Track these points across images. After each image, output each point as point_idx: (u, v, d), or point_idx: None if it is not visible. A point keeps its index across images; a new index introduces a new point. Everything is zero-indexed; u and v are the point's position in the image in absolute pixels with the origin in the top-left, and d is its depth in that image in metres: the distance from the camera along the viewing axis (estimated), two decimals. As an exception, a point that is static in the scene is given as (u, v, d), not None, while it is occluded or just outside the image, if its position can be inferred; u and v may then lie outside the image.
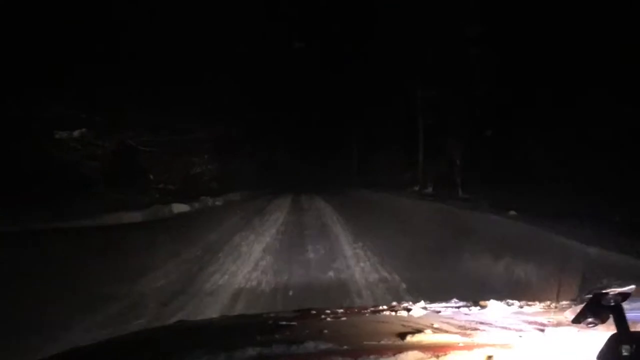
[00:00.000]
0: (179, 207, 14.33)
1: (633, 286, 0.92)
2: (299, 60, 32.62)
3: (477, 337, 1.10)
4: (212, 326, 1.49)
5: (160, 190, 16.68)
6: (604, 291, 0.90)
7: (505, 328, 1.15)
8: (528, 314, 1.32)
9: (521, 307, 1.44)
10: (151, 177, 17.00)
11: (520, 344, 1.03)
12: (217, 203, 17.94)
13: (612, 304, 0.89)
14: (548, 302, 1.48)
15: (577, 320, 0.96)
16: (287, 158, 46.14)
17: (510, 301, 1.49)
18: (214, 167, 21.56)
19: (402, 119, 21.27)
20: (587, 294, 0.95)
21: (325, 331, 1.23)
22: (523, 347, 1.01)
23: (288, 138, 42.38)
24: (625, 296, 0.90)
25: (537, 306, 1.43)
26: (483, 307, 1.43)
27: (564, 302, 1.42)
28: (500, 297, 1.51)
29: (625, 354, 0.78)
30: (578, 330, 1.06)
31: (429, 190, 16.95)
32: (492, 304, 1.43)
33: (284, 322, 1.33)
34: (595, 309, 0.92)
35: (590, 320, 0.94)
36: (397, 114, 22.01)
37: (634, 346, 0.77)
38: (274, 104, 32.26)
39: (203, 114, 18.83)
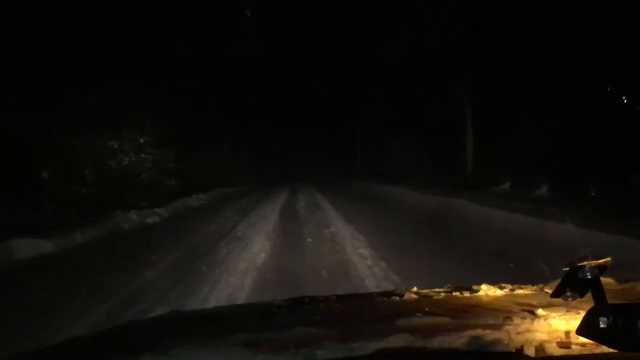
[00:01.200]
0: (26, 246, 6.94)
1: (609, 259, 0.91)
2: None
3: (467, 319, 1.10)
4: (204, 315, 1.49)
5: (62, 199, 10.62)
6: (580, 264, 0.90)
7: (496, 310, 1.15)
8: (519, 296, 1.32)
9: (512, 290, 1.44)
10: (45, 175, 10.74)
11: (509, 325, 1.03)
12: (151, 220, 11.00)
13: (589, 277, 0.89)
14: (540, 285, 1.48)
15: (556, 294, 0.96)
16: (279, 147, 45.06)
17: (503, 285, 1.49)
18: (167, 157, 15.05)
19: (418, 101, 18.94)
20: (564, 268, 0.95)
21: (316, 317, 1.24)
22: (512, 328, 1.01)
23: (279, 122, 41.04)
24: (602, 269, 0.90)
25: (529, 289, 1.43)
26: (475, 291, 1.43)
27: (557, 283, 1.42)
28: (493, 281, 1.51)
29: (602, 326, 0.78)
30: (567, 310, 1.06)
31: (543, 191, 10.99)
32: (484, 288, 1.44)
33: (275, 310, 1.34)
34: (573, 283, 0.92)
35: (568, 294, 0.94)
36: (412, 95, 19.35)
37: (611, 318, 0.78)
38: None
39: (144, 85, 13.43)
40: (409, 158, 21.93)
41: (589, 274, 0.89)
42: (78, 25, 11.24)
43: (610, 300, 1.18)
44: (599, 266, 0.90)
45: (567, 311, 1.05)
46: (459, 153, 16.94)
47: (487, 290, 1.41)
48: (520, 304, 1.19)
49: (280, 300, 1.49)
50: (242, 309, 1.58)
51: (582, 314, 0.98)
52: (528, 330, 0.99)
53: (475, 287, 1.45)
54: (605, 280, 1.40)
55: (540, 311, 1.08)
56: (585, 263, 0.90)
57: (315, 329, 1.07)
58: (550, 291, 1.09)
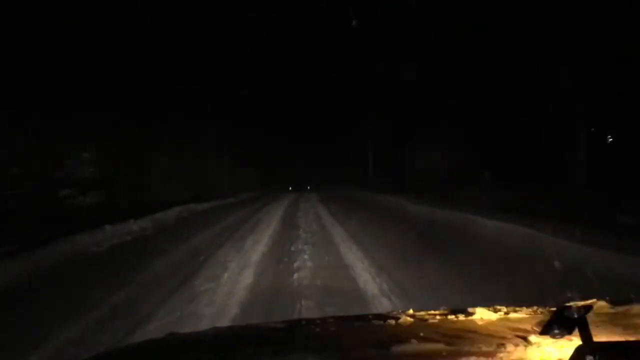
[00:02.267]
0: None
1: (595, 300, 0.95)
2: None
3: (461, 345, 1.11)
4: (202, 338, 1.49)
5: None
6: (567, 304, 0.93)
7: (490, 335, 1.17)
8: (514, 321, 1.33)
9: (507, 313, 1.46)
10: None
11: (502, 352, 1.04)
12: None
13: (576, 316, 0.92)
14: (535, 307, 1.50)
15: (545, 332, 0.99)
16: (284, 155, 43.44)
17: (497, 307, 1.50)
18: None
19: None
20: (552, 307, 0.98)
21: (312, 342, 1.24)
22: (505, 355, 1.03)
23: (283, 129, 39.45)
24: (587, 309, 0.93)
25: (524, 312, 1.45)
26: (470, 314, 1.45)
27: (550, 308, 1.43)
28: (488, 304, 1.53)
29: None
30: (562, 339, 1.08)
31: None
32: (479, 311, 1.45)
33: (271, 334, 1.34)
34: (560, 321, 0.95)
35: (557, 332, 0.97)
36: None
37: (597, 356, 0.81)
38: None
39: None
40: (443, 164, 16.58)
41: (575, 314, 0.93)
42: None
43: (602, 325, 1.20)
44: (584, 307, 0.93)
45: (561, 339, 1.07)
46: (535, 157, 12.90)
47: (481, 314, 1.43)
48: (514, 330, 1.21)
49: (278, 323, 1.49)
50: (239, 332, 1.59)
51: (574, 341, 1.00)
52: (521, 358, 1.01)
53: (470, 310, 1.47)
54: (599, 303, 1.43)
55: (533, 338, 1.10)
56: (571, 304, 0.93)
57: (311, 356, 1.08)
58: (538, 328, 1.12)
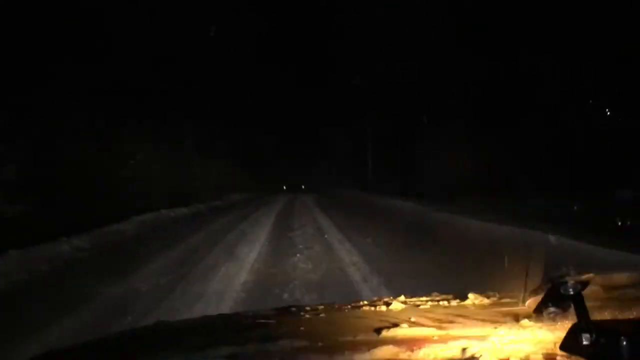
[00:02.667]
0: None
1: (592, 274, 0.91)
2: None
3: (453, 330, 1.09)
4: (190, 326, 1.48)
5: None
6: (562, 280, 0.89)
7: (482, 320, 1.15)
8: (506, 305, 1.32)
9: (500, 298, 1.44)
10: None
11: (495, 335, 1.02)
12: None
13: (572, 292, 0.88)
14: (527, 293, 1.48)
15: (539, 310, 0.96)
16: (277, 155, 42.35)
17: (490, 293, 1.48)
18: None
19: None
20: (547, 283, 0.95)
21: (302, 328, 1.23)
22: (498, 339, 1.01)
23: (275, 128, 38.54)
24: (584, 284, 0.90)
25: (517, 297, 1.43)
26: (462, 299, 1.43)
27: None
28: (481, 290, 1.51)
29: (585, 342, 0.78)
30: (554, 321, 1.06)
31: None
32: (471, 297, 1.43)
33: (261, 320, 1.33)
34: (555, 299, 0.92)
35: (551, 309, 0.94)
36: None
37: (594, 335, 0.77)
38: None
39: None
40: (457, 165, 13.75)
41: (571, 290, 0.89)
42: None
43: (596, 310, 1.18)
44: (581, 282, 0.90)
45: (554, 321, 1.05)
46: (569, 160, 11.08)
47: (473, 300, 1.41)
48: (506, 314, 1.19)
49: (268, 310, 1.48)
50: (230, 319, 1.57)
51: (568, 324, 0.98)
52: (514, 342, 0.99)
53: (462, 296, 1.45)
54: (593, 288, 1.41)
55: (526, 321, 1.08)
56: (567, 279, 0.89)
57: (300, 342, 1.06)
58: (532, 307, 1.09)
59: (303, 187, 45.08)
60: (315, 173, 44.79)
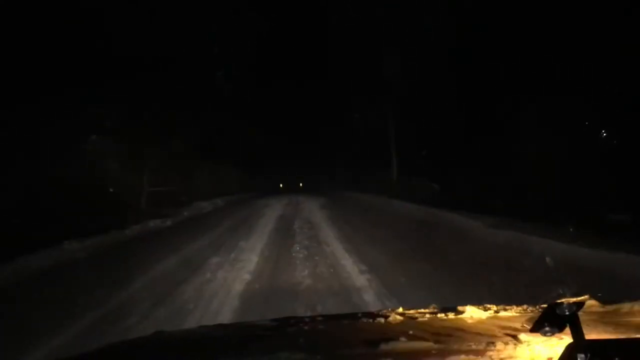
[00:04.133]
0: None
1: (587, 296, 0.93)
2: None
3: (451, 344, 1.10)
4: (189, 337, 1.48)
5: None
6: (558, 301, 0.91)
7: (479, 334, 1.16)
8: (503, 319, 1.32)
9: (497, 311, 1.44)
10: None
11: (492, 350, 1.03)
12: None
13: (567, 313, 0.90)
14: (525, 306, 1.49)
15: (536, 329, 0.97)
16: (273, 152, 39.68)
17: (488, 306, 1.49)
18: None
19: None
20: (543, 303, 0.96)
21: (301, 340, 1.23)
22: (494, 353, 1.02)
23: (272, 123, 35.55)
24: (579, 305, 0.92)
25: (513, 310, 1.44)
26: (460, 312, 1.44)
27: (540, 306, 1.42)
28: (479, 302, 1.51)
29: None
30: (551, 337, 1.07)
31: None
32: (469, 310, 1.44)
33: (260, 332, 1.33)
34: (551, 319, 0.93)
35: (547, 329, 0.95)
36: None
37: (589, 355, 0.79)
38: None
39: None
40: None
41: (566, 310, 0.91)
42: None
43: (592, 324, 1.19)
44: (576, 303, 0.91)
45: (551, 337, 1.06)
46: None
47: (471, 312, 1.42)
48: (503, 328, 1.20)
49: (267, 321, 1.48)
50: (227, 330, 1.57)
51: (565, 339, 0.99)
52: (510, 357, 1.00)
53: (460, 309, 1.46)
54: (589, 302, 1.42)
55: (523, 336, 1.09)
56: (563, 300, 0.91)
57: (299, 354, 1.07)
58: (528, 325, 1.10)
59: (301, 184, 43.23)
60: (320, 173, 40.48)
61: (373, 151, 24.30)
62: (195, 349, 1.32)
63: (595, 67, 10.26)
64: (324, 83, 30.90)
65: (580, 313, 1.32)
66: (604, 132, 11.66)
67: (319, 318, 1.49)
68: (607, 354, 0.79)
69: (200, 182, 20.83)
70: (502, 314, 1.41)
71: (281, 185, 42.86)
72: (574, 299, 0.92)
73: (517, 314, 1.40)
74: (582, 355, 0.79)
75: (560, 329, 0.94)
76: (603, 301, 1.39)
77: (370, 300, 4.70)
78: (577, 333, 0.87)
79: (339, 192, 27.87)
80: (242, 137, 29.25)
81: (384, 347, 1.09)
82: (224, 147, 25.21)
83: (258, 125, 32.27)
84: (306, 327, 1.37)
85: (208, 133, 20.97)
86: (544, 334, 0.97)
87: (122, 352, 1.40)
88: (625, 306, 1.35)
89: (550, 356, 0.96)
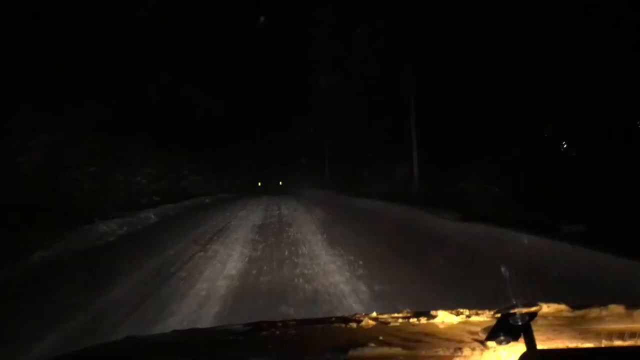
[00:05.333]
0: None
1: (539, 306, 0.94)
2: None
3: (419, 349, 1.11)
4: (160, 341, 1.46)
5: None
6: (511, 311, 0.92)
7: (448, 340, 1.16)
8: (474, 324, 1.33)
9: (469, 316, 1.45)
10: None
11: (459, 356, 1.04)
12: None
13: (520, 323, 0.91)
14: (496, 310, 1.49)
15: (491, 338, 0.98)
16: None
17: (460, 310, 1.50)
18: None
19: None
20: (496, 313, 0.97)
21: (270, 346, 1.23)
22: (461, 359, 1.02)
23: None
24: (532, 316, 0.92)
25: (485, 315, 1.44)
26: (432, 317, 1.44)
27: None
28: (451, 306, 1.52)
29: None
30: (517, 342, 1.08)
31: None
32: (441, 314, 1.45)
33: (231, 337, 1.32)
34: (505, 328, 0.94)
35: (502, 338, 0.96)
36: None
37: None
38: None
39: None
40: None
41: (519, 321, 0.92)
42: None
43: (559, 329, 1.20)
44: (529, 313, 0.92)
45: (516, 342, 1.07)
46: None
47: (443, 317, 1.42)
48: (472, 333, 1.21)
49: (239, 325, 1.47)
50: (199, 335, 1.56)
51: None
52: (476, 362, 1.01)
53: (432, 313, 1.46)
54: (559, 307, 1.43)
55: (490, 342, 1.09)
56: (516, 310, 0.92)
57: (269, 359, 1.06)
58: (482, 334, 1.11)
59: (281, 183, 39.53)
60: (293, 173, 36.55)
61: (371, 142, 19.10)
62: (166, 353, 1.30)
63: (560, 81, 10.46)
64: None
65: (550, 318, 1.33)
66: (565, 144, 11.90)
67: (292, 322, 1.49)
68: None
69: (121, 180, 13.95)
70: (474, 318, 1.42)
71: (259, 184, 39.28)
72: (527, 309, 0.93)
73: (488, 319, 1.41)
74: None
75: (515, 338, 0.94)
76: (572, 306, 1.41)
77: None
78: (529, 343, 0.88)
79: (336, 198, 19.89)
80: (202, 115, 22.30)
81: (352, 352, 1.09)
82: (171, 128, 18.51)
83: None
84: (277, 332, 1.37)
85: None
86: (499, 342, 0.97)
87: (94, 357, 1.38)
88: (594, 311, 1.36)
89: None
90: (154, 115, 16.74)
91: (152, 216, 12.29)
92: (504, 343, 0.97)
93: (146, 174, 16.00)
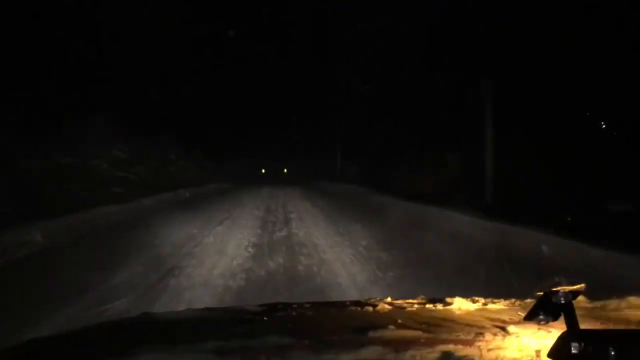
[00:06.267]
0: None
1: (583, 285, 0.93)
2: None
3: (439, 333, 1.10)
4: (176, 319, 1.46)
5: None
6: (554, 289, 0.91)
7: (468, 325, 1.16)
8: (492, 311, 1.33)
9: (485, 304, 1.45)
10: None
11: (481, 341, 1.03)
12: None
13: (563, 302, 0.90)
14: (512, 300, 1.50)
15: (529, 317, 0.97)
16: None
17: (476, 298, 1.50)
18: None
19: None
20: (539, 292, 0.96)
21: (289, 325, 1.22)
22: (483, 344, 1.02)
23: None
24: (575, 294, 0.92)
25: (502, 303, 1.44)
26: (448, 303, 1.44)
27: (528, 300, 1.43)
28: (467, 295, 1.52)
29: (574, 351, 0.79)
30: (539, 328, 1.07)
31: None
32: (457, 301, 1.44)
33: (248, 316, 1.32)
34: (546, 307, 0.93)
35: (541, 317, 0.95)
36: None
37: (583, 344, 0.79)
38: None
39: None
40: None
41: (562, 299, 0.90)
42: None
43: (581, 319, 1.20)
44: (572, 292, 0.91)
45: (539, 329, 1.06)
46: None
47: (459, 304, 1.42)
48: (492, 320, 1.20)
49: (254, 306, 1.47)
50: (215, 314, 1.56)
51: (553, 332, 0.99)
52: (499, 348, 1.00)
53: (448, 300, 1.46)
54: (577, 297, 1.43)
55: (512, 328, 1.09)
56: (559, 288, 0.91)
57: (287, 339, 1.06)
58: (522, 313, 1.10)
59: (285, 170, 38.54)
60: (301, 159, 34.92)
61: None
62: (182, 331, 1.30)
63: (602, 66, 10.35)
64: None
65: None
66: (604, 124, 11.71)
67: (307, 305, 1.49)
68: (601, 343, 0.78)
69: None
70: (490, 306, 1.42)
71: (263, 171, 38.44)
72: (570, 287, 0.92)
73: (505, 307, 1.40)
74: (576, 344, 0.78)
75: (555, 318, 0.93)
76: (591, 297, 1.41)
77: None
78: (571, 321, 0.86)
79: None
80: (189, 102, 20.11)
81: (372, 334, 1.08)
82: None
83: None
84: (294, 313, 1.37)
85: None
86: (539, 322, 0.96)
87: (108, 333, 1.38)
88: (613, 302, 1.36)
89: (538, 348, 0.96)
90: (128, 80, 12.84)
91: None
92: (542, 322, 0.96)
93: (113, 156, 12.59)
